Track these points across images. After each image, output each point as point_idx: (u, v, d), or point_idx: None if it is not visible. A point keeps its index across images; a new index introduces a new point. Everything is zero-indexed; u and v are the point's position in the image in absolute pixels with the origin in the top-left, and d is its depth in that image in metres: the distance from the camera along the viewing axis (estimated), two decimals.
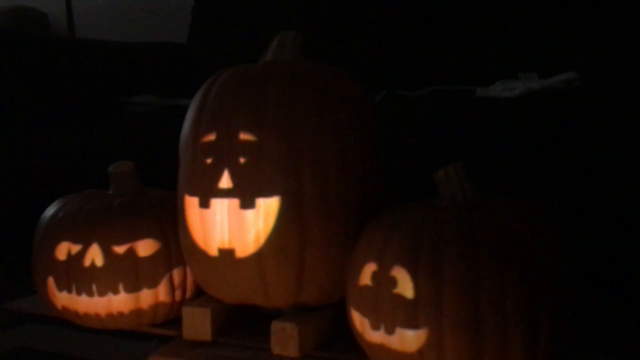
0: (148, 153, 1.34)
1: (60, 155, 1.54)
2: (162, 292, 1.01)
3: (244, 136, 0.88)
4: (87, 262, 0.99)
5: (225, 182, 0.89)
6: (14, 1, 2.57)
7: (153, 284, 1.00)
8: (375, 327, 0.80)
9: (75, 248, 1.00)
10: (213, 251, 0.90)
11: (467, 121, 1.17)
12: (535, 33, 1.54)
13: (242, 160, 0.88)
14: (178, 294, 1.02)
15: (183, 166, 0.95)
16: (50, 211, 1.06)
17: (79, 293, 1.00)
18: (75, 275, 1.00)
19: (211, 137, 0.90)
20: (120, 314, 1.00)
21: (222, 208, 0.89)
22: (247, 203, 0.87)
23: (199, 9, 2.13)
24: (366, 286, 0.81)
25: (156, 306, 1.01)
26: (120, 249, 0.99)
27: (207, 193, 0.90)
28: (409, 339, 0.77)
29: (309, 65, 0.95)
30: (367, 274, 0.82)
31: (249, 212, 0.87)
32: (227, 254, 0.89)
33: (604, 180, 1.00)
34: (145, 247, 1.00)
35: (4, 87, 1.68)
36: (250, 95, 0.90)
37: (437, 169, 0.87)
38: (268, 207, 0.87)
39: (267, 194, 0.87)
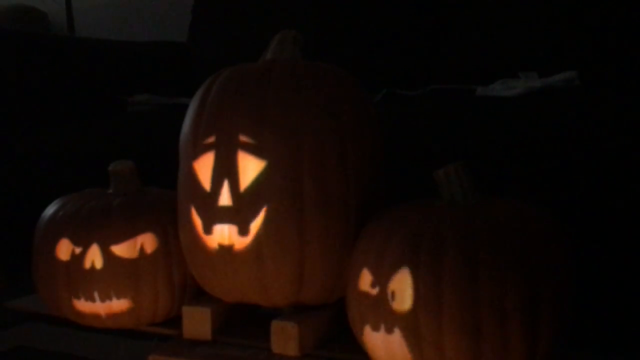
0: (148, 152, 1.34)
1: (60, 154, 1.54)
2: (162, 292, 1.01)
3: (243, 138, 0.88)
4: (87, 264, 0.99)
5: (225, 198, 0.88)
6: (14, 0, 2.57)
7: (153, 284, 1.00)
8: (375, 328, 0.80)
9: (76, 249, 1.00)
10: (213, 244, 0.90)
11: (467, 120, 1.17)
12: (536, 32, 1.54)
13: (241, 165, 0.88)
14: (178, 293, 1.02)
15: (183, 167, 0.95)
16: (50, 210, 1.06)
17: (78, 293, 1.00)
18: (75, 276, 0.99)
19: (210, 139, 0.90)
20: (120, 314, 1.00)
21: (223, 234, 0.89)
22: (244, 230, 0.87)
23: (199, 8, 2.13)
24: (365, 291, 0.81)
25: (156, 305, 1.01)
26: (119, 253, 0.99)
27: (209, 216, 0.89)
28: (409, 340, 0.77)
29: (309, 64, 0.95)
30: (366, 278, 0.81)
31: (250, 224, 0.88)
32: (226, 249, 0.89)
33: (604, 180, 1.00)
34: (144, 252, 1.00)
35: (3, 86, 1.68)
36: (250, 96, 0.90)
37: (437, 169, 0.87)
38: (268, 209, 0.87)
39: (268, 198, 0.87)
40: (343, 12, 1.83)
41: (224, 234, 0.89)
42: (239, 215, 0.87)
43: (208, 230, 0.90)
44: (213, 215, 0.89)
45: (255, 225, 0.87)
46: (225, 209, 0.88)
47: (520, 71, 1.41)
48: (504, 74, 1.43)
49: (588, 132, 1.04)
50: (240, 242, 0.88)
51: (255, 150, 0.87)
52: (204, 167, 0.90)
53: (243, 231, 0.87)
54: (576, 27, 1.49)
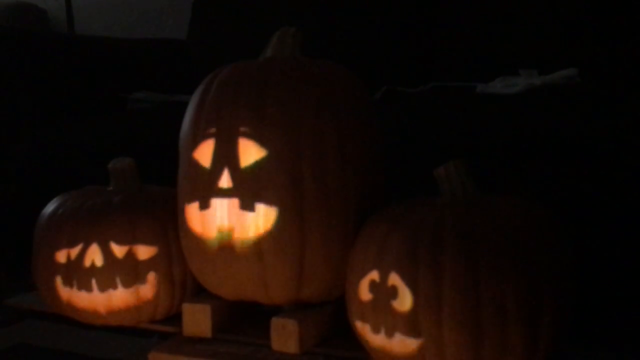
0: (148, 149, 1.34)
1: (60, 151, 1.54)
2: (162, 289, 1.00)
3: (244, 129, 0.88)
4: (87, 263, 0.99)
5: (225, 181, 0.88)
6: None
7: (153, 282, 1.00)
8: (375, 330, 0.80)
9: (75, 249, 1.00)
10: (212, 234, 0.90)
11: (467, 118, 1.17)
12: (536, 29, 1.53)
13: (242, 157, 0.88)
14: (178, 291, 1.02)
15: (183, 163, 0.95)
16: (50, 208, 1.06)
17: (79, 290, 1.00)
18: (76, 275, 0.99)
19: (211, 130, 0.90)
20: (120, 311, 1.00)
21: (222, 207, 0.89)
22: (247, 205, 0.87)
23: (199, 5, 2.13)
24: (365, 289, 0.81)
25: (156, 303, 1.01)
26: (119, 251, 0.99)
27: (207, 194, 0.90)
28: (410, 341, 0.77)
29: (308, 61, 0.95)
30: (365, 277, 0.81)
31: (249, 213, 0.87)
32: (225, 237, 0.89)
33: (604, 177, 1.00)
34: (145, 250, 1.00)
35: (3, 84, 1.68)
36: (250, 92, 0.90)
37: (437, 166, 0.87)
38: (267, 204, 0.87)
39: (267, 191, 0.87)
40: (343, 9, 1.83)
41: (222, 205, 0.88)
42: (239, 192, 0.87)
43: (205, 205, 0.89)
44: (211, 193, 0.89)
45: (258, 208, 0.87)
46: (224, 189, 0.88)
47: (520, 68, 1.41)
48: (504, 71, 1.43)
49: (588, 129, 1.04)
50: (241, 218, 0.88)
51: (255, 137, 0.87)
52: (204, 154, 0.90)
53: (246, 205, 0.87)
54: (577, 24, 1.49)
